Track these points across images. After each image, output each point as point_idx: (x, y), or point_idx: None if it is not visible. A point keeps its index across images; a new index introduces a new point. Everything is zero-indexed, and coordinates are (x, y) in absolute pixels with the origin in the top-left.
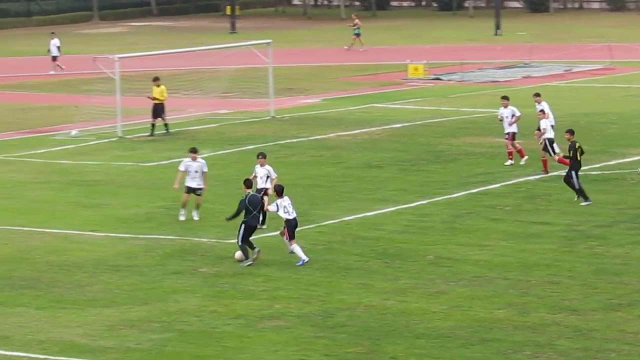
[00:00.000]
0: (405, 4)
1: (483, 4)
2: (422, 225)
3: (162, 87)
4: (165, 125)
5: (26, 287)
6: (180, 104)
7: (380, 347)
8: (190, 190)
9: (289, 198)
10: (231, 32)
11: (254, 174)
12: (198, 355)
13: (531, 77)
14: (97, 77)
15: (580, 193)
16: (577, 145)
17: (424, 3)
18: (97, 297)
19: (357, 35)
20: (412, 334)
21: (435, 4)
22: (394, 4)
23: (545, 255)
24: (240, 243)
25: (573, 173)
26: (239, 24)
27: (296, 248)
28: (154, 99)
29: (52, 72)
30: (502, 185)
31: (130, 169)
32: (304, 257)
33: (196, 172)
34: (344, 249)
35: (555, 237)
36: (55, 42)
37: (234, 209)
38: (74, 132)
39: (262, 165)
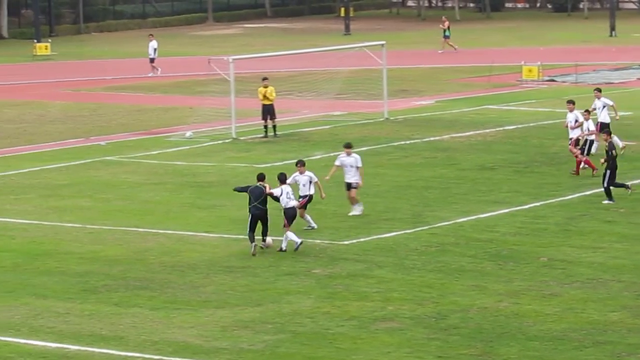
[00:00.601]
0: (519, 5)
1: (598, 5)
2: (536, 227)
3: (271, 87)
4: (274, 127)
5: (140, 288)
6: (294, 106)
7: (493, 349)
8: (349, 186)
9: (290, 187)
10: (345, 34)
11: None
12: (311, 356)
13: None
14: (211, 78)
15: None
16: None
17: (538, 4)
18: (210, 298)
19: (447, 37)
20: (525, 336)
21: (550, 6)
22: (509, 5)
23: None
24: (248, 230)
25: (608, 172)
26: (353, 25)
27: (290, 234)
28: (264, 97)
29: (150, 75)
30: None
31: (244, 170)
32: (298, 240)
33: (351, 167)
34: (457, 251)
35: None
36: (153, 44)
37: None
38: (188, 134)
39: (301, 173)
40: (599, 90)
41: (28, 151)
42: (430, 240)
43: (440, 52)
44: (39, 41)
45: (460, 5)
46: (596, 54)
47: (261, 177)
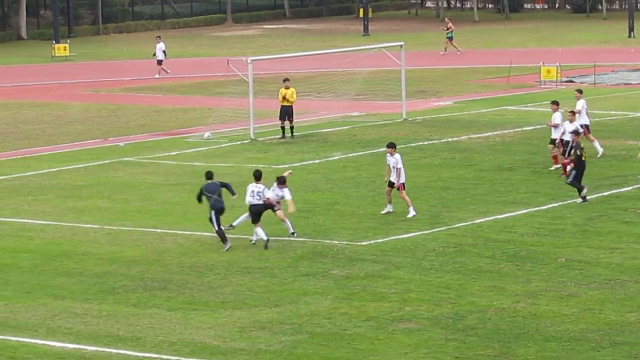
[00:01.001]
0: (538, 6)
1: (616, 6)
2: (554, 227)
3: (292, 89)
4: (291, 128)
5: (158, 289)
6: (312, 106)
7: (511, 350)
8: (390, 184)
9: (264, 185)
10: (364, 35)
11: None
12: (329, 357)
13: None
14: (230, 79)
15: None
16: (582, 145)
17: (557, 5)
18: (228, 299)
19: (450, 39)
20: (542, 336)
21: (568, 6)
22: (527, 6)
23: None
24: (216, 229)
25: (574, 172)
26: (371, 26)
27: (258, 230)
28: (284, 99)
29: (157, 76)
30: (634, 188)
31: (262, 171)
32: (265, 237)
33: (393, 167)
34: (475, 252)
35: None
36: (160, 46)
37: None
38: (206, 135)
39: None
40: (580, 91)
41: (47, 152)
42: (448, 240)
43: (442, 53)
44: (57, 42)
45: (479, 6)
46: (615, 54)
47: (210, 175)
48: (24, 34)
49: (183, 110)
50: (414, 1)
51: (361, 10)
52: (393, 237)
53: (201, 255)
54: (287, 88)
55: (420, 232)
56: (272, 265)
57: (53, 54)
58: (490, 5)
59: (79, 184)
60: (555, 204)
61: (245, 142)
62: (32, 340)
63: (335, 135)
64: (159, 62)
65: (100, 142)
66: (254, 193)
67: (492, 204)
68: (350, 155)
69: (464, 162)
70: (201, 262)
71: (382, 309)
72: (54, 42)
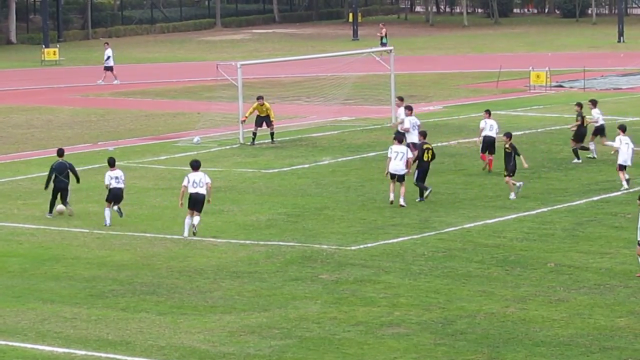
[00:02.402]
0: (527, 11)
1: (606, 11)
2: (543, 232)
3: (267, 105)
4: (272, 134)
5: (147, 293)
6: (302, 111)
7: (500, 355)
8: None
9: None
10: (353, 39)
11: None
12: None
13: None
14: (219, 84)
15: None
16: (425, 147)
17: (547, 10)
18: (217, 303)
19: (384, 44)
20: (532, 341)
21: (558, 11)
22: (517, 11)
23: None
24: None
25: (417, 172)
26: (361, 31)
27: (107, 211)
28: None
29: (100, 82)
30: (623, 193)
31: (251, 175)
32: (108, 222)
33: (400, 160)
34: (464, 256)
35: None
36: (108, 52)
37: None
38: (196, 139)
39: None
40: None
41: (36, 156)
42: (438, 245)
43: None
44: (47, 46)
45: (469, 11)
46: (604, 59)
47: (60, 153)
48: (13, 38)
49: (172, 114)
50: (404, 6)
51: (350, 14)
52: (382, 242)
53: (190, 259)
54: (261, 105)
55: (409, 237)
56: (261, 269)
57: (42, 58)
58: (479, 10)
59: (69, 188)
60: (545, 209)
61: (234, 146)
62: (22, 345)
63: (325, 140)
64: (108, 69)
65: (90, 147)
66: (116, 178)
67: (482, 208)
68: (339, 159)
69: (453, 166)
70: (190, 266)
71: (371, 313)
72: (43, 46)
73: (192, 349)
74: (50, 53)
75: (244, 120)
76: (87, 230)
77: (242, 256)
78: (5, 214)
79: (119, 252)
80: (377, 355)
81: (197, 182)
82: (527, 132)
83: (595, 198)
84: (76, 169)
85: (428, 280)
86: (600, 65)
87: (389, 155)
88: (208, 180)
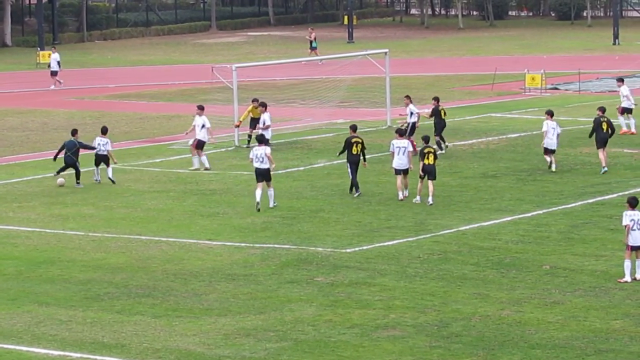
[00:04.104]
0: (523, 13)
1: (601, 14)
2: (539, 235)
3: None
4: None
5: (143, 296)
6: (297, 114)
7: (496, 358)
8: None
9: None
10: (348, 42)
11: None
12: None
13: None
14: (214, 86)
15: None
16: (354, 140)
17: (542, 13)
18: (212, 306)
19: (314, 48)
20: (527, 344)
21: (553, 14)
22: (512, 13)
23: None
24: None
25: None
26: (356, 33)
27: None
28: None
29: (52, 88)
30: (619, 196)
31: (247, 178)
32: (97, 178)
33: (403, 154)
34: (459, 259)
35: None
36: (55, 56)
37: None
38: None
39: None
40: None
41: (31, 159)
42: (433, 248)
43: (304, 62)
44: (42, 49)
45: (464, 13)
46: (599, 62)
47: (74, 132)
48: (8, 41)
49: (168, 117)
50: (399, 8)
51: (346, 17)
52: (378, 245)
53: (186, 262)
54: (256, 108)
55: (404, 240)
56: (256, 272)
57: (38, 61)
58: (475, 13)
59: (64, 191)
60: (540, 211)
61: (230, 149)
62: (17, 347)
63: (320, 143)
64: (54, 74)
65: (84, 150)
66: (257, 157)
67: (477, 211)
68: (334, 162)
69: (448, 169)
70: (186, 269)
71: (366, 316)
72: (38, 49)
73: (188, 351)
74: (46, 56)
75: (238, 126)
76: (83, 233)
77: (238, 259)
78: (1, 217)
79: (114, 255)
80: (372, 358)
81: (259, 156)
82: (522, 134)
83: (590, 200)
84: (86, 144)
85: (423, 282)
86: (595, 68)
87: (391, 150)
88: (268, 152)
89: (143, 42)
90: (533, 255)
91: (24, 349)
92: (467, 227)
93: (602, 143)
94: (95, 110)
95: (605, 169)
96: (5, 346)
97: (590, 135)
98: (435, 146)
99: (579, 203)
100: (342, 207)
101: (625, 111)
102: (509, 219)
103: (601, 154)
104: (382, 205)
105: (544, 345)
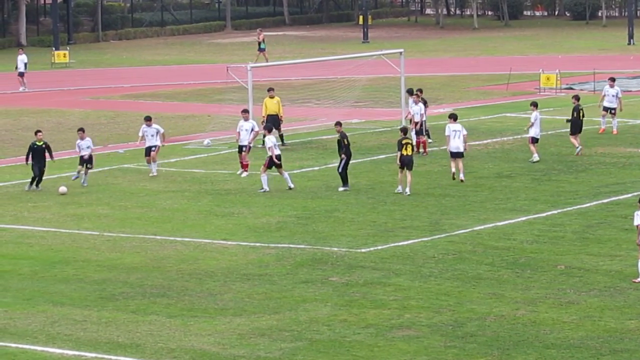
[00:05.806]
0: (538, 13)
1: (616, 13)
2: (553, 235)
3: (277, 98)
4: (281, 136)
5: (158, 296)
6: (312, 113)
7: (511, 357)
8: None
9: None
10: (364, 42)
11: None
12: None
13: None
14: (229, 86)
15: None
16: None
17: (557, 13)
18: (228, 306)
19: (262, 50)
20: (542, 344)
21: (568, 14)
22: (527, 13)
23: None
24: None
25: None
26: (371, 33)
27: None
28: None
29: (21, 89)
30: (634, 195)
31: (245, 179)
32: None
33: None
34: (474, 259)
35: None
36: (22, 58)
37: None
38: (206, 142)
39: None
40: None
41: (46, 159)
42: (448, 248)
43: (252, 64)
44: (57, 49)
45: (479, 13)
46: (614, 62)
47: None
48: (23, 40)
49: (183, 117)
50: (414, 8)
51: (361, 17)
52: (392, 244)
53: (200, 262)
54: (271, 97)
55: (419, 240)
56: (271, 272)
57: (53, 61)
58: (489, 13)
59: (79, 190)
60: (555, 211)
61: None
62: (32, 347)
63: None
64: (21, 75)
65: (100, 149)
66: (275, 145)
67: (492, 211)
68: (350, 162)
69: (463, 169)
70: (200, 269)
71: (381, 316)
72: (53, 49)
73: (203, 351)
74: (61, 55)
75: (264, 120)
76: (98, 233)
77: (253, 259)
78: (16, 217)
79: (129, 255)
80: (387, 358)
81: (276, 144)
82: None
83: (605, 200)
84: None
85: (438, 282)
86: (610, 68)
87: (446, 134)
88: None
89: (158, 42)
90: (548, 255)
91: (39, 348)
92: (482, 227)
93: (578, 129)
94: (109, 110)
95: (580, 147)
96: (21, 346)
97: (569, 121)
98: (412, 138)
99: (594, 203)
100: (357, 207)
101: (607, 110)
102: (523, 218)
103: (574, 139)
104: (397, 205)
105: (559, 345)
